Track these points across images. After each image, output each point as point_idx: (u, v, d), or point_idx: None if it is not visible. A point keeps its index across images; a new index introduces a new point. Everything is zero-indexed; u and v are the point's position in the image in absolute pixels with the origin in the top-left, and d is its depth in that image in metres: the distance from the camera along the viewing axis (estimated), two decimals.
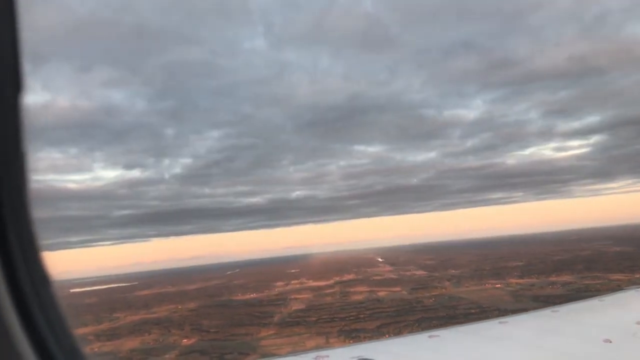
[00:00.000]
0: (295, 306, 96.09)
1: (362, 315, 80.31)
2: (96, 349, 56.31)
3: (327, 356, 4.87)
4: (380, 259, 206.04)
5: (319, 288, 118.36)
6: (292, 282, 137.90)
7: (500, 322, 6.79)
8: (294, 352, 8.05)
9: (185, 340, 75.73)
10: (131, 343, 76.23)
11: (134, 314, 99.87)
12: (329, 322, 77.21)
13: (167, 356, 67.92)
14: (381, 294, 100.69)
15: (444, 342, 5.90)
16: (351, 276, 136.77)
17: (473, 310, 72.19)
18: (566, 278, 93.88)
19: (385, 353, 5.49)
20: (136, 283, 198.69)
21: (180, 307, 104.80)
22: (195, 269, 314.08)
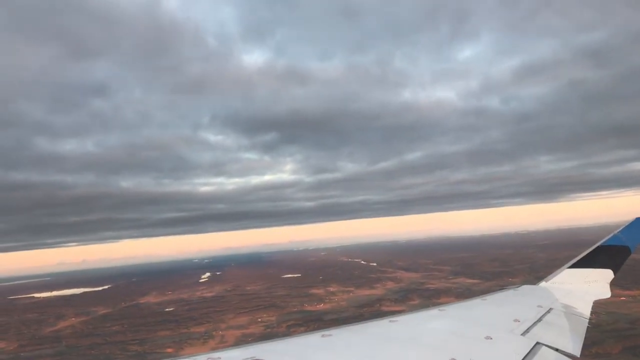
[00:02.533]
0: None
1: None
2: None
3: (219, 358, 4.54)
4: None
5: None
6: None
7: (390, 321, 6.65)
8: (186, 355, 4.65)
9: None
10: None
11: None
12: None
13: None
14: None
15: (334, 341, 5.62)
16: None
17: None
18: None
19: (276, 353, 5.15)
20: None
21: None
22: None
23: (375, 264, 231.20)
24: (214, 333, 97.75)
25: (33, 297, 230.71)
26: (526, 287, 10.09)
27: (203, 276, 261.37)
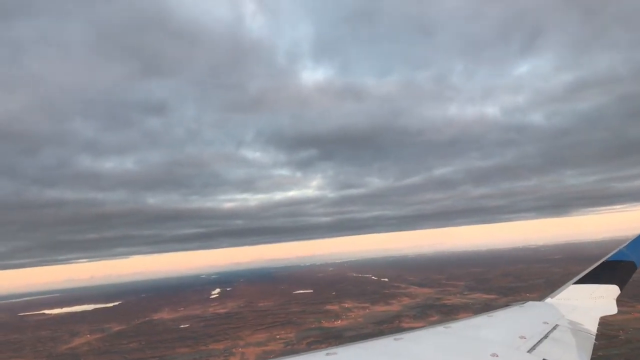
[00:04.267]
0: None
1: None
2: None
3: None
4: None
5: None
6: None
7: (395, 339, 6.63)
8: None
9: None
10: None
11: None
12: None
13: None
14: None
15: (340, 359, 5.59)
16: None
17: None
18: None
19: None
20: None
21: None
22: None
23: (387, 280, 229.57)
24: (233, 350, 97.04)
25: (44, 313, 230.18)
26: (532, 304, 10.05)
27: (213, 292, 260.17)
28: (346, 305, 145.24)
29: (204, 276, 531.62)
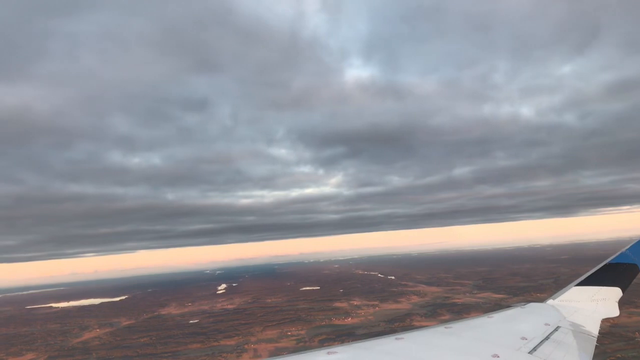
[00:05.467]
0: None
1: None
2: None
3: None
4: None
5: None
6: None
7: (396, 338, 6.71)
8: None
9: None
10: None
11: None
12: None
13: None
14: None
15: (341, 358, 5.68)
16: None
17: None
18: None
19: None
20: None
21: None
22: None
23: (393, 278, 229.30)
24: (245, 346, 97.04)
25: (51, 307, 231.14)
26: (533, 305, 10.16)
27: (219, 288, 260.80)
28: (355, 303, 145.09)
29: (208, 271, 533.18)
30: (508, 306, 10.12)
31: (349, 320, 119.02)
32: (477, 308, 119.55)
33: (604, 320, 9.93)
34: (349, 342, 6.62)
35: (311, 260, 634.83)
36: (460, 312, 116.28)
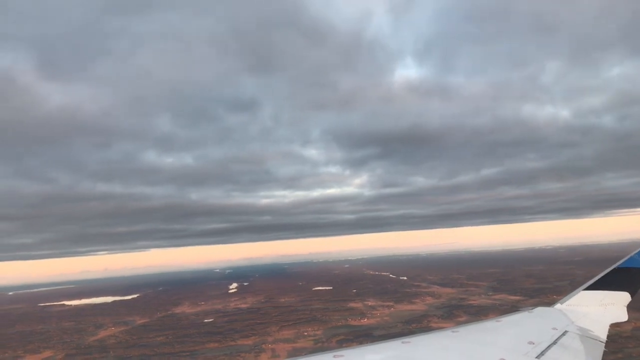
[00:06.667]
0: None
1: None
2: None
3: None
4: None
5: None
6: None
7: (403, 342, 6.71)
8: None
9: None
10: None
11: None
12: None
13: None
14: None
15: None
16: None
17: None
18: None
19: None
20: None
21: None
22: None
23: (405, 278, 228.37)
24: (263, 346, 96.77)
25: (64, 304, 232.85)
26: (541, 309, 10.24)
27: (230, 287, 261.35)
28: (369, 304, 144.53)
29: (217, 270, 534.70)
30: (515, 311, 10.22)
31: (365, 321, 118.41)
32: (494, 310, 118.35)
33: (626, 324, 10.23)
34: (355, 346, 6.60)
35: (320, 260, 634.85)
36: (477, 313, 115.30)
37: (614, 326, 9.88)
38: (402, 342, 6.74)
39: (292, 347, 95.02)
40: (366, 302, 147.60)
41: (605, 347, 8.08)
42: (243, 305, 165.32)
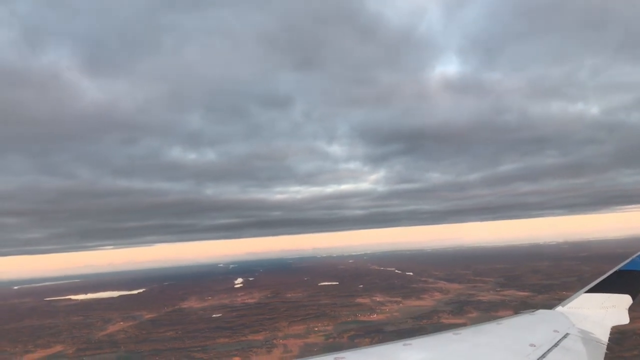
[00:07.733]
0: None
1: None
2: None
3: None
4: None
5: None
6: None
7: (404, 344, 6.73)
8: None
9: None
10: None
11: None
12: None
13: None
14: None
15: None
16: None
17: None
18: None
19: None
20: None
21: None
22: None
23: (411, 274, 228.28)
24: (274, 342, 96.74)
25: (70, 299, 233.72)
26: (542, 312, 10.26)
27: (236, 282, 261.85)
28: (377, 299, 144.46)
29: (221, 265, 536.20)
30: (516, 313, 10.32)
31: (375, 316, 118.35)
32: (503, 306, 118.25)
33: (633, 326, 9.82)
34: (356, 348, 6.64)
35: (324, 255, 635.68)
36: (487, 310, 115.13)
37: (627, 325, 10.01)
38: (404, 344, 6.78)
39: (304, 342, 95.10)
40: (374, 298, 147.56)
41: (616, 345, 7.99)
42: (250, 300, 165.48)
